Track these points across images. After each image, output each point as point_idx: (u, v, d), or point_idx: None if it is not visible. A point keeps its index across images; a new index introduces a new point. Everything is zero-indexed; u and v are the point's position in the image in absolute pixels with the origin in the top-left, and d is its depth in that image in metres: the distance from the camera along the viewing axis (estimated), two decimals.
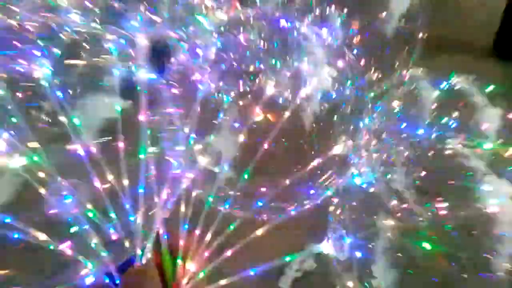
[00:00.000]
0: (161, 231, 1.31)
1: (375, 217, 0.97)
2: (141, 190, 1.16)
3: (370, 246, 0.91)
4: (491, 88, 1.03)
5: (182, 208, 1.39)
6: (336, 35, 1.25)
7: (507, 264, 0.76)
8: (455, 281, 0.82)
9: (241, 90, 1.08)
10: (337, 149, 1.16)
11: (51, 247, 1.02)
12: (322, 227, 1.03)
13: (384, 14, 1.16)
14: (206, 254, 1.44)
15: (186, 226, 1.41)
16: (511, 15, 3.92)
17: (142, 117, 1.02)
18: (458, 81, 1.23)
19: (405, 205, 1.02)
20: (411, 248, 0.91)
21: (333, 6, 1.22)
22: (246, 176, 1.04)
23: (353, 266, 0.91)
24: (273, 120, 1.02)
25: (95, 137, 1.10)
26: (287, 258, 1.03)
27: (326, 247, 0.95)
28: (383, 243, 0.92)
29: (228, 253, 1.20)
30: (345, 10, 1.27)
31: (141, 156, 1.11)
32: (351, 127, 1.15)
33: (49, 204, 0.89)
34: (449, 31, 4.13)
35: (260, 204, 1.31)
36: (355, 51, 1.14)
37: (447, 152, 0.94)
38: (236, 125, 1.03)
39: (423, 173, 1.00)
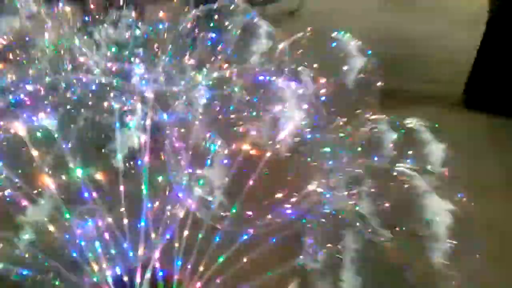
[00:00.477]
0: (157, 265, 1.50)
1: (343, 235, 1.17)
2: (142, 224, 1.35)
3: (340, 257, 1.10)
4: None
5: (176, 245, 1.57)
6: (307, 87, 1.50)
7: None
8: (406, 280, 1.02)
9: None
10: (312, 186, 1.37)
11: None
12: (299, 246, 1.22)
13: (345, 69, 1.41)
14: (199, 285, 1.61)
15: (179, 262, 1.59)
16: (479, 68, 4.23)
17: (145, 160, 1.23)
18: (411, 123, 1.48)
19: (368, 229, 1.23)
20: (372, 258, 1.11)
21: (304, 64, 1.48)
22: (236, 207, 1.24)
23: (326, 274, 1.10)
24: (257, 155, 1.24)
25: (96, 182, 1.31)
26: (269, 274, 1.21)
27: (304, 259, 1.14)
28: (350, 255, 1.12)
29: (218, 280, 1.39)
30: (314, 66, 1.54)
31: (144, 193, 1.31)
32: (322, 162, 1.37)
33: (74, 225, 1.06)
34: (419, 84, 4.48)
35: (245, 237, 1.50)
36: (323, 98, 1.38)
37: (398, 175, 1.16)
38: (225, 161, 1.24)
39: (382, 196, 1.21)
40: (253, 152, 1.22)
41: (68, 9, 1.23)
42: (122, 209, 1.38)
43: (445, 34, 5.90)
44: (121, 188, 1.35)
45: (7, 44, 1.26)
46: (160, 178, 1.22)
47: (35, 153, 1.18)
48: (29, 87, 1.23)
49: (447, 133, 3.52)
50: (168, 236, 1.47)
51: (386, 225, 1.07)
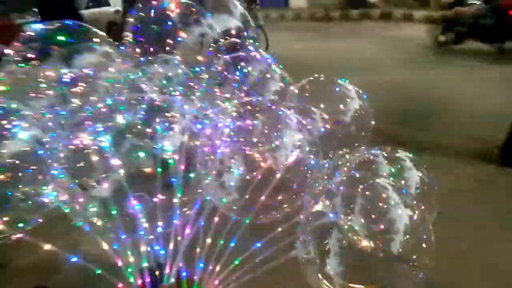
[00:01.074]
0: (181, 265, 1.82)
1: (331, 232, 1.48)
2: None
3: (326, 249, 1.41)
4: None
5: (198, 249, 1.89)
6: (313, 123, 1.85)
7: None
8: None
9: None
10: (318, 207, 1.69)
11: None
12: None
13: (342, 107, 1.76)
14: (216, 282, 1.92)
15: (201, 265, 1.90)
16: None
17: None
18: (398, 154, 1.79)
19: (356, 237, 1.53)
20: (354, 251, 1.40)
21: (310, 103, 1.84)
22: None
23: (315, 263, 1.40)
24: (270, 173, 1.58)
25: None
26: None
27: (298, 252, 1.44)
28: (335, 248, 1.42)
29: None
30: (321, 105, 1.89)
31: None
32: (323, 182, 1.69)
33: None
34: (455, 140, 4.68)
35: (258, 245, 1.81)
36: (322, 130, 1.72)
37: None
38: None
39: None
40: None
41: (130, 50, 1.63)
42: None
43: (481, 92, 6.23)
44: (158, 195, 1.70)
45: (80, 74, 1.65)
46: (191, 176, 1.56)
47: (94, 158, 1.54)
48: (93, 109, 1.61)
49: (484, 189, 3.72)
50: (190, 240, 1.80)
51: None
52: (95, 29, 1.63)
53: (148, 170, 1.63)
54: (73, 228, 1.74)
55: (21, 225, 1.55)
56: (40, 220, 1.51)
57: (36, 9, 11.54)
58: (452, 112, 5.52)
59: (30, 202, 1.47)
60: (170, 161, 1.63)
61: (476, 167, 4.10)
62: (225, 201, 1.52)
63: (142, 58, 1.68)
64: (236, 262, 1.86)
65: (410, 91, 6.42)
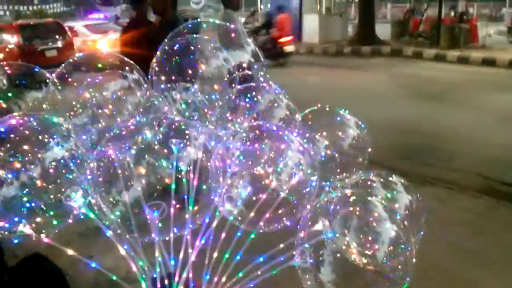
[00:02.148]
0: (190, 276, 1.99)
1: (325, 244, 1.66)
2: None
3: (321, 259, 1.59)
4: None
5: (206, 262, 2.06)
6: (315, 147, 2.05)
7: None
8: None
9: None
10: (317, 226, 1.87)
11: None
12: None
13: (340, 134, 1.96)
14: None
15: (207, 277, 2.07)
16: None
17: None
18: (391, 178, 1.98)
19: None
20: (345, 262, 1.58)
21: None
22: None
23: (311, 270, 1.57)
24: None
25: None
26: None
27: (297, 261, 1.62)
28: (329, 259, 1.60)
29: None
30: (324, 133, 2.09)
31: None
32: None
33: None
34: (463, 176, 4.80)
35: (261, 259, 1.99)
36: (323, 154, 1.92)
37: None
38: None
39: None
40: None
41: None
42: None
43: (489, 130, 6.37)
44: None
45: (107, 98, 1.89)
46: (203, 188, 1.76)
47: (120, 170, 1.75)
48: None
49: (483, 221, 3.87)
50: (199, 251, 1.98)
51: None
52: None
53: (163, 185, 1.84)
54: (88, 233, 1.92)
55: (49, 228, 1.75)
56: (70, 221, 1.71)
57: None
58: (458, 146, 5.68)
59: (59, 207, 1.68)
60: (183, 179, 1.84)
61: (476, 200, 4.24)
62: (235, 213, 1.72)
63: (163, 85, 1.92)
64: (240, 275, 2.03)
65: (417, 126, 6.60)
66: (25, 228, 1.68)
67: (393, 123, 6.64)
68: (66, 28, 13.27)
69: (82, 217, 1.81)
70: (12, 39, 12.29)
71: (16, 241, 1.71)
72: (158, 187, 1.73)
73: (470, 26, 15.06)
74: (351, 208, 1.76)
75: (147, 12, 3.50)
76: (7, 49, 12.02)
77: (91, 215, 1.72)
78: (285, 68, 12.21)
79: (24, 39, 12.17)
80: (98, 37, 13.68)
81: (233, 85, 1.96)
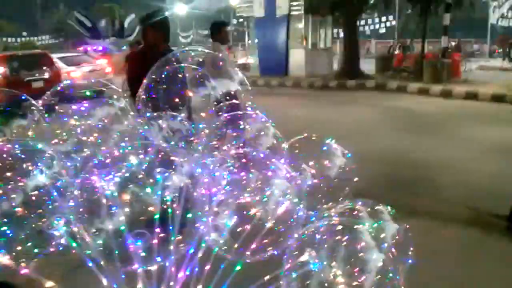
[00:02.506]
0: None
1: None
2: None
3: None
4: None
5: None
6: (302, 176, 2.05)
7: None
8: None
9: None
10: (304, 257, 1.86)
11: None
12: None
13: (327, 163, 1.97)
14: None
15: None
16: None
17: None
18: (379, 207, 1.98)
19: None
20: None
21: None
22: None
23: None
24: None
25: None
26: None
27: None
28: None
29: None
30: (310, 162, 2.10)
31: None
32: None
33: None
34: (455, 208, 4.81)
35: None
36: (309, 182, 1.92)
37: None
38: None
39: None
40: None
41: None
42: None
43: (477, 161, 6.37)
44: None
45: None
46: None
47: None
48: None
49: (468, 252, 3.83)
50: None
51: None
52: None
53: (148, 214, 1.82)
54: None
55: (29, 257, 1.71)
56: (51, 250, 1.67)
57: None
58: (446, 178, 5.72)
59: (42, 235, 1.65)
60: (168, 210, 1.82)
61: (463, 231, 4.24)
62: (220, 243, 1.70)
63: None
64: None
65: (404, 158, 6.66)
66: (2, 259, 1.64)
67: (380, 154, 6.68)
68: (54, 60, 13.32)
69: (61, 248, 1.78)
70: None
71: None
72: (141, 217, 1.70)
73: (452, 61, 15.49)
74: (338, 237, 1.75)
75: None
76: None
77: (73, 245, 1.68)
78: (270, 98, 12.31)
79: (11, 70, 12.17)
80: (72, 69, 13.76)
81: (220, 113, 1.97)
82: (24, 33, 41.61)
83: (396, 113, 10.59)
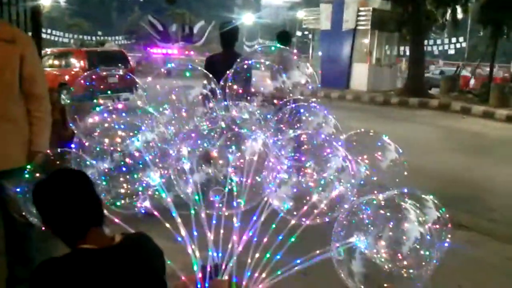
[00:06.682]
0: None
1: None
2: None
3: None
4: None
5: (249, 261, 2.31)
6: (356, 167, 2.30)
7: None
8: None
9: None
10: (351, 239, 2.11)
11: None
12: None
13: (380, 156, 2.21)
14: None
15: (249, 273, 2.31)
16: None
17: None
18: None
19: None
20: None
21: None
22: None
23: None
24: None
25: None
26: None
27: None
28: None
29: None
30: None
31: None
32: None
33: None
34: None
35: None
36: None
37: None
38: None
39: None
40: None
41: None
42: None
43: None
44: None
45: None
46: None
47: None
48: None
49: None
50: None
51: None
52: None
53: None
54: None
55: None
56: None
57: None
58: (501, 200, 5.73)
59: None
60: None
61: (508, 246, 4.27)
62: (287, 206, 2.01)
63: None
64: (278, 273, 2.26)
65: (461, 177, 6.65)
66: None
67: (438, 172, 6.72)
68: (129, 58, 14.24)
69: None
70: (78, 64, 13.34)
71: None
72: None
73: None
74: (382, 212, 1.97)
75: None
76: (72, 72, 13.00)
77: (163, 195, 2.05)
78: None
79: (90, 64, 13.16)
80: None
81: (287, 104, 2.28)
82: (99, 32, 44.20)
83: (458, 134, 10.44)
